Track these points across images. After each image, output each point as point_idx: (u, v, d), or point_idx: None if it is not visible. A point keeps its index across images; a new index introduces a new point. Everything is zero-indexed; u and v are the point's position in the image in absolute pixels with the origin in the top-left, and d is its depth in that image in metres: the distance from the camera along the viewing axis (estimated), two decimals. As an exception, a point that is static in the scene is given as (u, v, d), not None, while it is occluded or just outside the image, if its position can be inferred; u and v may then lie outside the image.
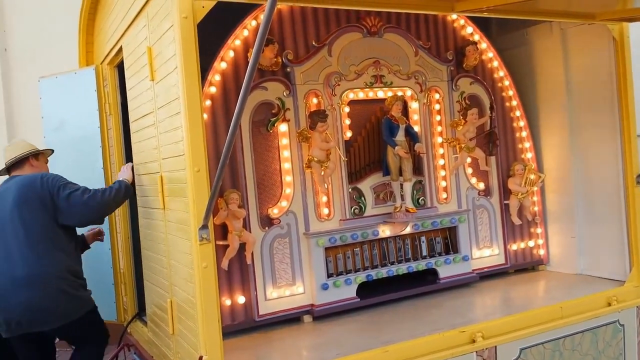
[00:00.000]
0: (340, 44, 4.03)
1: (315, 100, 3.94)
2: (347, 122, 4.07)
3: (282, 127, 3.83)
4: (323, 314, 3.81)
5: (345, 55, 4.04)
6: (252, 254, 3.61)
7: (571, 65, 4.58)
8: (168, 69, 3.10)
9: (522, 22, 4.57)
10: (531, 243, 4.74)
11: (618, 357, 4.04)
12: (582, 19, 4.10)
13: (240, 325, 3.62)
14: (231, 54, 3.69)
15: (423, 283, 4.26)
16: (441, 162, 4.41)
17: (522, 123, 4.75)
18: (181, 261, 3.19)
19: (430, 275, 4.30)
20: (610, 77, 4.30)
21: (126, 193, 3.87)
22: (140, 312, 4.45)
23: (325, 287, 3.82)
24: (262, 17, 2.13)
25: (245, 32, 3.72)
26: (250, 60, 2.25)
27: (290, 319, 3.78)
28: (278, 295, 3.74)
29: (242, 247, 3.56)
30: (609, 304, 3.98)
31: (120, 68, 4.40)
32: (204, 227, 2.87)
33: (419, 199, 4.29)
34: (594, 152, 4.46)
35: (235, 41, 3.71)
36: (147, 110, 3.62)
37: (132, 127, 4.04)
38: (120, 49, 4.10)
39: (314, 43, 3.95)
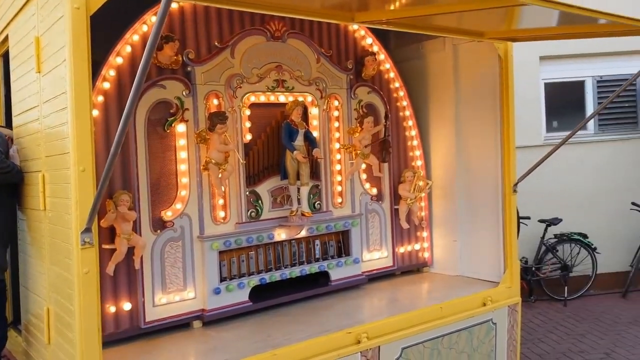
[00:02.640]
0: (244, 46, 3.87)
1: (215, 102, 3.75)
2: (248, 125, 3.93)
3: (180, 128, 3.61)
4: (214, 319, 3.64)
5: (248, 58, 3.89)
6: (142, 258, 3.37)
7: (461, 79, 4.71)
8: (57, 61, 2.83)
9: (418, 36, 4.63)
10: (417, 246, 4.86)
11: (490, 353, 4.23)
12: (472, 36, 4.20)
13: (125, 333, 3.37)
14: (128, 49, 3.42)
15: (315, 286, 4.21)
16: (338, 167, 4.39)
17: (413, 132, 4.83)
18: (61, 266, 2.91)
19: (323, 277, 4.27)
20: (494, 92, 4.44)
21: (13, 176, 3.49)
22: (16, 321, 4.05)
23: (217, 291, 3.66)
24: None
25: (145, 28, 3.46)
26: (144, 57, 2.07)
27: (179, 325, 3.58)
28: (167, 300, 3.52)
29: (131, 251, 3.31)
30: (484, 304, 4.14)
31: (5, 58, 3.97)
32: (87, 230, 2.64)
33: (315, 203, 4.24)
34: (477, 161, 4.62)
35: (134, 36, 3.44)
36: (31, 104, 3.27)
37: (15, 121, 3.65)
38: (6, 38, 3.69)
39: (216, 43, 3.76)
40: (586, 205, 7.64)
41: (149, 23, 3.47)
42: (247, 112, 3.91)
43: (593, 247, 7.30)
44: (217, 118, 3.63)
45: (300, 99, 4.09)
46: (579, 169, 7.65)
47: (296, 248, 4.14)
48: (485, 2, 3.16)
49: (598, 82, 7.86)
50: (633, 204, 7.43)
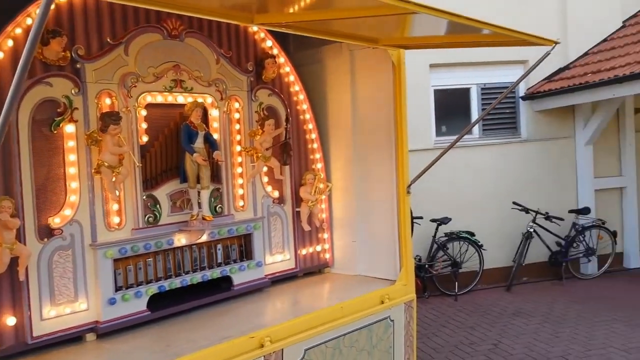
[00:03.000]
0: (139, 43, 3.69)
1: (108, 101, 3.55)
2: (144, 125, 3.75)
3: (69, 128, 3.37)
4: (109, 331, 3.44)
5: (144, 56, 3.72)
6: (27, 268, 3.10)
7: (357, 84, 4.83)
8: None
9: (317, 41, 4.70)
10: (318, 248, 4.90)
11: (388, 349, 4.35)
12: (368, 42, 4.31)
13: (9, 350, 3.08)
14: (10, 43, 3.15)
15: (218, 291, 4.12)
16: (239, 170, 4.32)
17: (313, 135, 4.88)
18: None
19: (225, 282, 4.18)
20: (389, 97, 4.58)
21: None
22: None
23: (112, 301, 3.46)
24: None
25: (29, 21, 3.20)
26: (24, 51, 1.90)
27: (71, 339, 3.33)
28: (57, 313, 3.26)
29: (15, 261, 3.04)
30: (382, 301, 4.25)
31: None
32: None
33: (216, 206, 4.14)
34: (374, 164, 4.74)
35: (16, 29, 3.17)
36: None
37: None
38: None
39: (109, 40, 3.55)
40: (473, 205, 8.15)
41: (33, 16, 3.21)
42: (143, 112, 3.74)
43: (480, 244, 7.79)
44: (110, 118, 3.44)
45: (200, 100, 3.99)
46: (466, 171, 8.14)
47: (197, 253, 4.02)
48: (379, 9, 3.26)
49: (482, 89, 8.42)
50: (514, 203, 8.03)
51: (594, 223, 8.23)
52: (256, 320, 3.73)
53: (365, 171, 4.80)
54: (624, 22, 8.95)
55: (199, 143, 3.90)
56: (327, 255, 4.97)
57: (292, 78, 4.73)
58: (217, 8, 3.41)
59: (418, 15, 3.28)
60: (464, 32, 4.15)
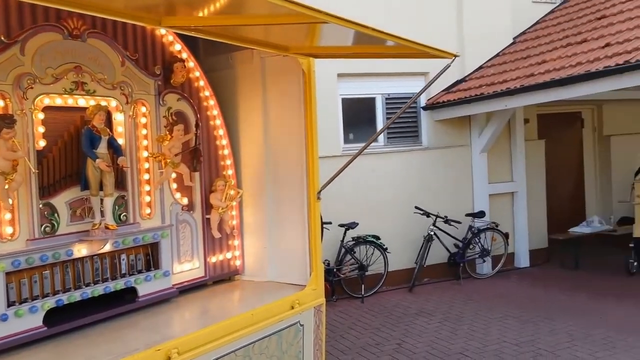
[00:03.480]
0: (36, 43, 3.46)
1: (1, 103, 3.30)
2: (41, 129, 3.52)
3: (-46, 132, 3.10)
4: (1, 350, 3.18)
5: (42, 57, 3.49)
6: None
7: (268, 91, 4.82)
8: None
9: (228, 46, 4.64)
10: (229, 255, 4.83)
11: (298, 354, 4.36)
12: (278, 50, 4.31)
13: None
14: None
15: (121, 303, 3.93)
16: (146, 176, 4.16)
17: (224, 141, 4.81)
18: None
19: (130, 294, 4.00)
20: (299, 105, 4.61)
21: None
22: None
23: (4, 318, 3.20)
24: None
25: None
26: None
27: (-44, 360, 3.07)
28: (-60, 334, 2.99)
29: None
30: (292, 307, 4.25)
31: None
32: None
33: (120, 215, 3.96)
34: (285, 170, 4.75)
35: None
36: None
37: None
38: None
39: (2, 38, 3.30)
40: (379, 210, 8.38)
41: None
42: (40, 115, 3.51)
43: (384, 247, 8.02)
44: (3, 121, 3.20)
45: (103, 103, 3.80)
46: (372, 177, 8.36)
47: (99, 264, 3.81)
48: (289, 17, 3.27)
49: (387, 99, 8.70)
50: (416, 208, 8.36)
51: (488, 226, 8.75)
52: (163, 332, 3.60)
53: (276, 177, 4.80)
54: (514, 38, 9.62)
55: (102, 148, 3.72)
56: (238, 262, 4.91)
57: (202, 83, 4.63)
58: (123, 8, 3.26)
59: (327, 25, 3.34)
60: (370, 43, 4.27)
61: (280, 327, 4.16)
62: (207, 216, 4.61)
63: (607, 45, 6.90)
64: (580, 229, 9.17)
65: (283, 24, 3.43)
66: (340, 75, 8.18)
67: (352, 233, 7.84)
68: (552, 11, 10.20)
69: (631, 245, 8.18)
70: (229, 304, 4.42)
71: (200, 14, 3.51)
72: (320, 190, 4.61)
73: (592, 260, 9.05)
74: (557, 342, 5.73)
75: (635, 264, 8.16)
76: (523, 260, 9.25)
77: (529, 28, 9.89)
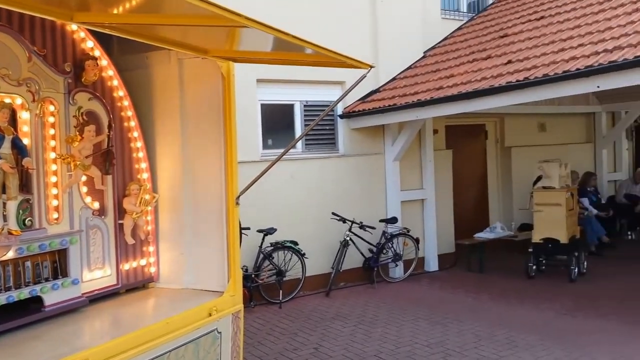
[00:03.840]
0: None
1: None
2: None
3: None
4: None
5: (-64, 48, 3.21)
6: None
7: (186, 94, 4.69)
8: None
9: (145, 46, 4.47)
10: (143, 262, 4.64)
11: (215, 362, 4.28)
12: (197, 52, 4.21)
13: None
14: None
15: (25, 314, 3.66)
16: (53, 179, 3.91)
17: (139, 144, 4.63)
18: None
19: (35, 303, 3.73)
20: (218, 109, 4.52)
21: None
22: None
23: None
24: None
25: None
26: None
27: None
28: None
29: None
30: (210, 314, 4.14)
31: None
32: None
33: (25, 219, 3.68)
34: (203, 175, 4.64)
35: None
36: None
37: None
38: None
39: None
40: (297, 215, 8.42)
41: None
42: None
43: (302, 253, 8.06)
44: None
45: (7, 100, 3.55)
46: (290, 183, 8.39)
47: (1, 272, 3.53)
48: (207, 19, 3.21)
49: (305, 106, 8.78)
50: (333, 213, 8.47)
51: (400, 231, 9.02)
52: (72, 344, 3.39)
53: (194, 182, 4.67)
54: (424, 52, 10.04)
55: (5, 148, 3.48)
56: (153, 270, 4.72)
57: (115, 82, 4.44)
58: (31, 1, 3.07)
59: (248, 29, 3.31)
60: (290, 50, 4.29)
61: (197, 335, 4.04)
62: (120, 221, 4.41)
63: (509, 62, 7.37)
64: (485, 235, 9.68)
65: (202, 26, 3.37)
66: (259, 81, 8.16)
67: (270, 239, 7.81)
68: (459, 28, 10.76)
69: (530, 250, 8.72)
70: (142, 312, 4.24)
71: (115, 11, 3.37)
72: (239, 196, 4.55)
73: (495, 264, 9.58)
74: (465, 342, 6.00)
75: (534, 267, 8.72)
76: (432, 264, 9.63)
77: (438, 43, 10.37)
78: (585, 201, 10.21)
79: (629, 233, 11.29)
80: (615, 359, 5.27)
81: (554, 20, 8.25)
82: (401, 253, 9.00)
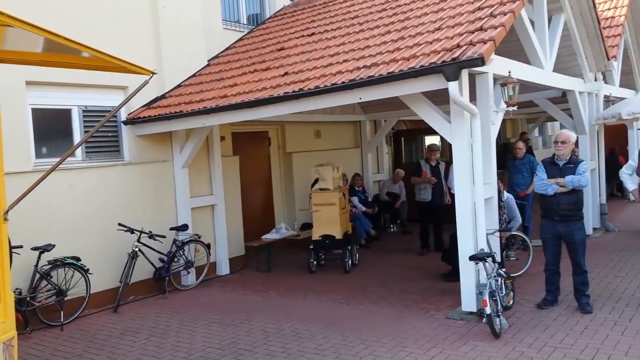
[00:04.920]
0: None
1: None
2: None
3: None
4: None
5: None
6: None
7: None
8: None
9: None
10: None
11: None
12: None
13: None
14: None
15: None
16: None
17: None
18: None
19: None
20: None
21: None
22: None
23: None
24: None
25: None
26: None
27: None
28: None
29: None
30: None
31: None
32: None
33: None
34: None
35: None
36: None
37: None
38: None
39: None
40: (79, 229, 7.76)
41: None
42: None
43: (86, 268, 7.45)
44: None
45: None
46: (69, 194, 7.70)
47: None
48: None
49: (84, 111, 8.14)
50: (120, 224, 8.01)
51: (191, 238, 8.92)
52: None
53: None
54: (208, 61, 10.10)
55: None
56: None
57: None
58: None
59: (13, 28, 3.00)
60: (65, 52, 3.99)
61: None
62: None
63: (286, 74, 7.83)
64: (271, 236, 10.11)
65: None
66: (30, 83, 7.34)
67: (48, 256, 7.05)
68: (240, 39, 11.08)
69: (311, 247, 9.36)
70: None
71: None
72: (8, 210, 4.04)
73: (281, 262, 10.06)
74: (255, 340, 6.16)
75: (315, 262, 9.37)
76: (224, 268, 9.72)
77: (221, 52, 10.54)
78: (355, 200, 11.32)
79: (391, 226, 12.81)
80: (380, 337, 5.93)
81: (323, 37, 9.00)
82: (193, 260, 8.91)
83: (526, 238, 8.49)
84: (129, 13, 8.71)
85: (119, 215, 8.18)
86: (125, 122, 8.64)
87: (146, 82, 4.31)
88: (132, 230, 8.03)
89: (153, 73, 4.27)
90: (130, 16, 8.72)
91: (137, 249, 8.05)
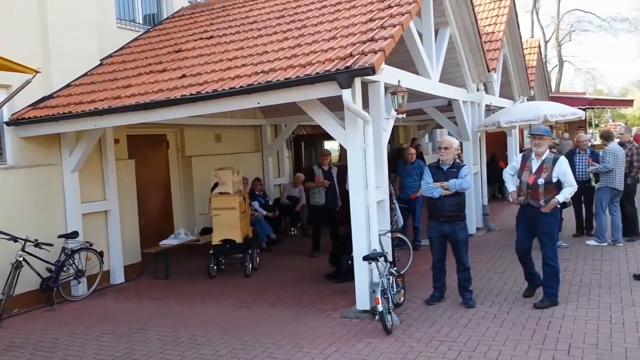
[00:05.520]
0: None
1: None
2: None
3: None
4: None
5: None
6: None
7: None
8: None
9: None
10: None
11: None
12: None
13: None
14: None
15: None
16: None
17: None
18: None
19: None
20: None
21: None
22: None
23: None
24: None
25: None
26: None
27: None
28: None
29: None
30: None
31: None
32: None
33: None
34: None
35: None
36: None
37: None
38: None
39: None
40: (-50, 239, 7.06)
41: None
42: None
43: (-41, 281, 6.80)
44: None
45: None
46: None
47: None
48: None
49: (-43, 112, 7.44)
50: (1, 232, 7.39)
51: (82, 246, 8.41)
52: None
53: None
54: (101, 60, 9.61)
55: None
56: None
57: None
58: None
59: None
60: None
61: None
62: None
63: (184, 76, 7.65)
64: (169, 241, 9.79)
65: None
66: None
67: None
68: (136, 39, 10.66)
69: (211, 252, 9.18)
70: None
71: None
72: None
73: (180, 268, 9.78)
74: (151, 350, 5.92)
75: (215, 267, 9.20)
76: (119, 276, 9.26)
77: (115, 51, 10.07)
78: (256, 204, 11.28)
79: (292, 229, 12.92)
80: (278, 339, 5.93)
81: (221, 41, 8.89)
82: (84, 269, 8.41)
83: (405, 238, 8.80)
84: (13, 7, 8.07)
85: (0, 223, 7.54)
86: (8, 123, 8.00)
87: (29, 81, 4.05)
88: (15, 239, 7.43)
89: (36, 71, 4.02)
90: (15, 11, 8.08)
91: (21, 259, 7.46)
